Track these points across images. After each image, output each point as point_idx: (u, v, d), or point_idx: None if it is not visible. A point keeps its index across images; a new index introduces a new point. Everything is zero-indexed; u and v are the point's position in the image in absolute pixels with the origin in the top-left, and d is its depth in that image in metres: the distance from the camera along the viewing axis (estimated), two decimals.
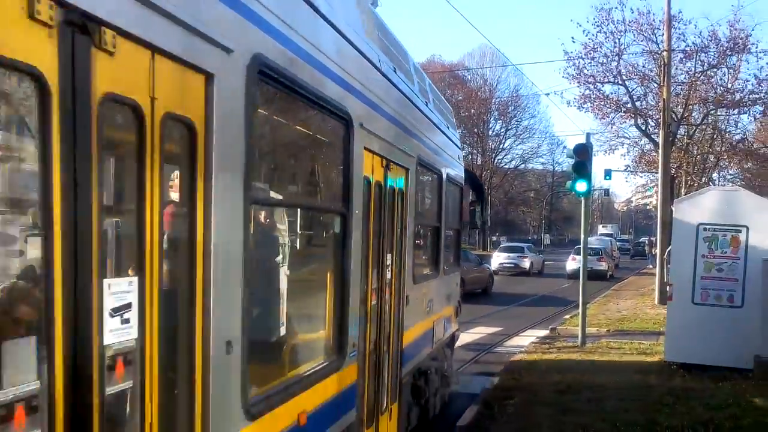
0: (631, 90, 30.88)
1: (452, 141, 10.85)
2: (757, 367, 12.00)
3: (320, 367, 5.11)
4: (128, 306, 2.80)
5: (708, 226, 13.17)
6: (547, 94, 51.17)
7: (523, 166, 76.12)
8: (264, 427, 3.96)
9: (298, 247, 5.62)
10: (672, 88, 27.31)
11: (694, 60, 29.54)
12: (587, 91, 30.52)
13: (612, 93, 31.26)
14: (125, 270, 2.95)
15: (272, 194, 4.73)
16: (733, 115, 34.51)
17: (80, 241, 2.52)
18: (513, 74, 67.78)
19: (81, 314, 2.54)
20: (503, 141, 70.79)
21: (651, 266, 44.80)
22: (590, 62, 30.02)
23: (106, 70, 2.63)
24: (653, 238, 49.22)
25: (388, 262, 6.92)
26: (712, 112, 32.91)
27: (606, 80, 30.56)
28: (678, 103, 30.29)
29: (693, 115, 33.38)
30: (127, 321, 2.79)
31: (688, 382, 11.92)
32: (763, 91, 30.60)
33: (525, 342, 17.05)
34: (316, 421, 4.84)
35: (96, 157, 2.60)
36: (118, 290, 2.76)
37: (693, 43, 29.28)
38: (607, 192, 78.30)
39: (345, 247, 5.41)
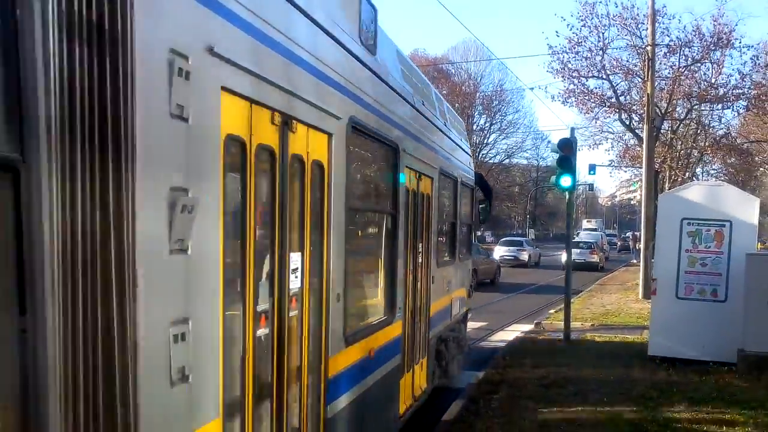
0: (615, 84, 30.90)
1: (464, 150, 12.80)
2: (740, 361, 12.06)
3: (381, 319, 7.35)
4: (297, 269, 4.95)
5: (692, 221, 13.21)
6: (532, 89, 51.50)
7: (507, 161, 76.16)
8: (352, 352, 6.12)
9: (369, 238, 7.75)
10: (656, 83, 27.38)
11: (678, 55, 29.56)
12: (571, 86, 30.49)
13: (596, 87, 31.26)
14: (297, 250, 4.98)
15: (358, 202, 6.68)
16: (717, 110, 34.64)
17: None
18: (497, 68, 67.82)
19: (282, 271, 4.66)
20: (488, 136, 70.73)
21: (635, 260, 45.00)
22: (574, 56, 29.98)
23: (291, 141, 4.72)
24: (637, 233, 49.51)
25: (420, 249, 8.94)
26: (696, 107, 33.01)
27: (590, 75, 30.54)
28: (662, 98, 30.39)
29: (677, 110, 33.50)
30: (297, 277, 4.93)
31: (672, 376, 11.96)
32: (747, 86, 30.71)
33: (510, 337, 17.05)
34: (378, 359, 7.00)
35: (286, 185, 4.67)
36: (296, 260, 4.93)
37: (677, 37, 29.31)
38: (591, 187, 78.42)
39: (395, 238, 7.68)
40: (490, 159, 70.15)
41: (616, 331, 17.30)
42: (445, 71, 66.19)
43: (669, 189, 30.66)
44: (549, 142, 68.28)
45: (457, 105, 64.37)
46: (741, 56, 31.24)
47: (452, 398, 10.75)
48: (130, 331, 2.84)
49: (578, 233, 56.85)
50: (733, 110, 33.30)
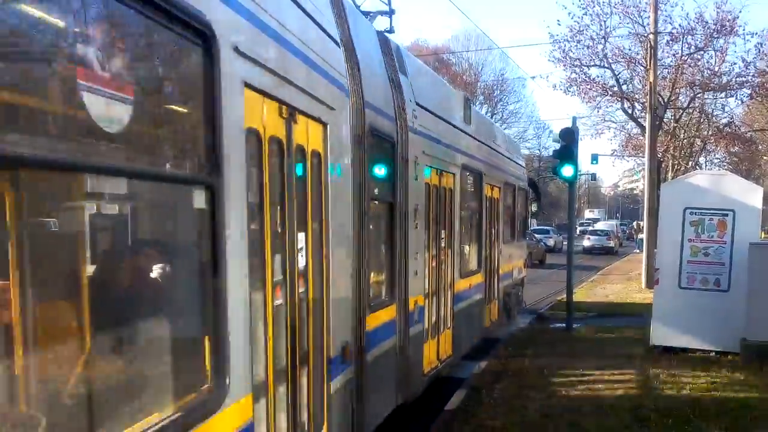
0: (617, 73, 30.76)
1: (520, 164, 18.42)
2: (743, 350, 12.06)
3: (473, 270, 12.47)
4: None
5: (694, 210, 13.17)
6: (533, 78, 51.48)
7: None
8: (464, 283, 11.12)
9: (470, 227, 12.74)
10: (659, 72, 27.29)
11: (680, 43, 29.39)
12: (573, 75, 30.36)
13: (598, 76, 31.09)
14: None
15: (466, 207, 12.02)
16: (720, 98, 34.46)
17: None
18: (498, 58, 67.65)
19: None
20: None
21: (637, 250, 44.99)
22: (576, 45, 29.80)
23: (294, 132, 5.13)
24: (640, 222, 49.43)
25: (493, 232, 14.27)
26: (699, 95, 32.81)
27: (592, 63, 30.38)
28: (665, 87, 30.22)
29: (680, 98, 33.29)
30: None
31: (674, 366, 11.96)
32: (750, 74, 30.55)
33: (513, 326, 17.07)
34: (472, 291, 12.21)
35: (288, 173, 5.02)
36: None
37: (680, 25, 29.10)
38: (593, 176, 78.42)
39: (480, 226, 13.00)
40: None
41: (618, 321, 17.31)
42: (446, 60, 66.02)
43: (672, 178, 30.64)
44: (551, 131, 68.10)
45: None
46: (745, 44, 31.16)
47: (455, 388, 10.77)
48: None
49: (590, 223, 72.15)
50: (736, 99, 33.26)
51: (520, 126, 72.58)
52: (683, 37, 29.10)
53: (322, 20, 6.03)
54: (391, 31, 10.27)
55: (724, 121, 36.43)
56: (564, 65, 30.06)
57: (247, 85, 4.24)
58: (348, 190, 6.59)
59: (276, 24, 4.79)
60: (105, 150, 3.13)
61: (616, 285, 26.80)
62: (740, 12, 32.23)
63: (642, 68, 28.93)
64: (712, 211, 13.10)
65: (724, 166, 45.13)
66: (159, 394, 3.69)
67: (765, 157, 51.62)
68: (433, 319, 9.89)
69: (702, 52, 29.92)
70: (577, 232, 56.44)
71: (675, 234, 13.24)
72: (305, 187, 5.43)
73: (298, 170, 5.29)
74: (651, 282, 17.53)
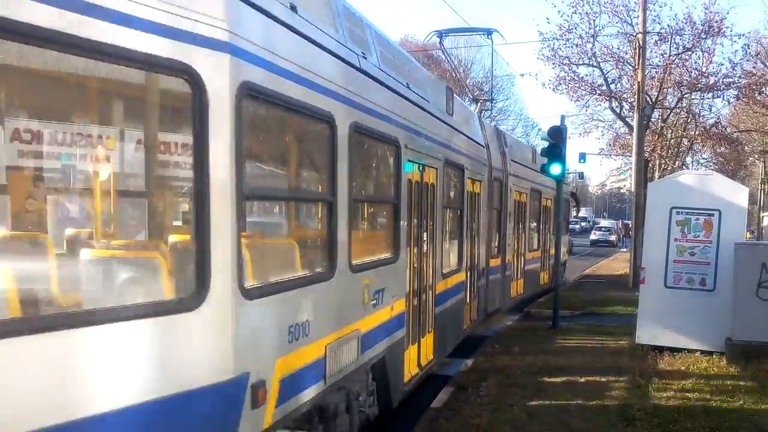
0: (605, 72, 30.87)
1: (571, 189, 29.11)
2: (728, 350, 12.11)
3: (536, 248, 21.26)
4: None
5: (681, 210, 13.21)
6: (522, 75, 51.30)
7: None
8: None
9: (537, 225, 21.41)
10: (647, 71, 27.34)
11: (669, 43, 29.52)
12: (562, 73, 30.46)
13: (587, 75, 31.23)
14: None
15: (530, 212, 20.53)
16: (707, 99, 34.64)
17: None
18: (488, 55, 67.61)
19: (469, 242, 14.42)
20: None
21: (623, 249, 45.18)
22: (565, 44, 29.92)
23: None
24: (627, 222, 49.59)
25: (549, 225, 22.78)
26: (687, 95, 32.96)
27: (581, 62, 30.50)
28: (652, 87, 30.31)
29: (667, 98, 33.41)
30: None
31: (660, 365, 12.01)
32: (737, 75, 30.73)
33: (499, 325, 17.08)
34: (531, 262, 20.86)
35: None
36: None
37: (668, 25, 29.27)
38: (581, 175, 78.62)
39: (543, 222, 22.49)
40: None
41: (605, 320, 17.35)
42: (435, 57, 65.94)
43: (659, 178, 30.72)
44: (539, 129, 68.15)
45: None
46: (732, 45, 31.24)
47: (441, 385, 10.77)
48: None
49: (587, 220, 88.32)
50: (723, 99, 33.44)
51: (508, 123, 72.40)
52: (671, 38, 29.25)
53: (477, 133, 14.31)
54: (492, 99, 26.45)
55: (711, 121, 36.61)
56: (553, 63, 30.17)
57: (448, 164, 11.23)
58: (486, 206, 14.80)
59: (455, 136, 12.01)
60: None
61: (603, 283, 26.81)
62: (728, 13, 32.53)
63: (630, 67, 29.01)
64: (698, 211, 13.14)
65: (711, 166, 45.33)
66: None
67: (751, 158, 51.95)
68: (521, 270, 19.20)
69: (690, 53, 30.07)
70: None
71: (661, 233, 13.27)
72: (475, 206, 13.61)
73: (469, 198, 12.93)
74: (637, 281, 17.55)
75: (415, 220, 9.43)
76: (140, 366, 4.12)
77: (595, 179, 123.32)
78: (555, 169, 15.69)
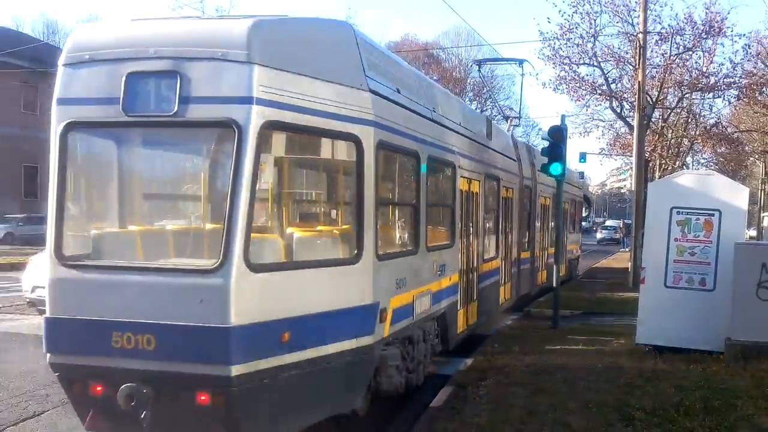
0: (606, 72, 30.88)
1: (577, 186, 30.11)
2: (728, 350, 12.10)
3: (525, 246, 19.88)
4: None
5: (681, 210, 13.20)
6: (523, 75, 50.93)
7: None
8: (486, 265, 14.88)
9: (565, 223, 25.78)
10: (647, 71, 27.35)
11: (669, 43, 29.52)
12: (563, 73, 30.45)
13: (587, 75, 31.23)
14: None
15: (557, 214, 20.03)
16: (708, 99, 34.66)
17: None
18: (489, 54, 67.59)
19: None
20: None
21: (624, 249, 45.20)
22: (566, 43, 29.89)
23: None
24: (628, 222, 49.62)
25: (566, 227, 25.25)
26: (687, 95, 32.99)
27: (581, 62, 30.49)
28: (653, 86, 30.34)
29: (668, 98, 33.45)
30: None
31: (660, 365, 11.99)
32: (738, 75, 30.73)
33: (499, 325, 17.10)
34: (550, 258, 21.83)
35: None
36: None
37: (669, 25, 29.28)
38: (582, 175, 78.82)
39: (564, 222, 24.81)
40: None
41: (604, 319, 17.36)
42: (435, 56, 65.93)
43: (659, 177, 30.74)
44: (540, 129, 68.17)
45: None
46: (732, 45, 31.10)
47: (440, 385, 10.78)
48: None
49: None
50: (724, 99, 33.39)
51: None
52: (672, 37, 29.25)
53: (510, 150, 17.90)
54: (519, 116, 29.65)
55: (712, 121, 36.66)
56: (553, 63, 30.14)
57: (488, 177, 14.86)
58: (518, 208, 18.02)
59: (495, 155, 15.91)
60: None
61: (603, 283, 26.80)
62: (728, 13, 32.51)
63: (631, 67, 29.04)
64: (698, 211, 13.13)
65: (711, 166, 45.35)
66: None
67: (751, 158, 51.94)
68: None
69: (690, 53, 30.10)
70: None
71: (661, 233, 13.27)
72: (509, 209, 17.10)
73: (504, 203, 16.49)
74: (637, 281, 17.56)
75: (464, 219, 13.05)
76: (338, 289, 7.94)
77: (595, 179, 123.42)
78: (555, 168, 15.69)
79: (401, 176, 10.38)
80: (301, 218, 9.35)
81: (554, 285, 16.71)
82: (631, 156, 30.44)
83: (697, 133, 36.83)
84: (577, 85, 30.89)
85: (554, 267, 16.88)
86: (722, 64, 30.75)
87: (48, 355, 7.29)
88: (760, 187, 57.58)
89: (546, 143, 16.52)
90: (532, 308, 19.43)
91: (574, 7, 29.09)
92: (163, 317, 6.75)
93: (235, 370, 6.67)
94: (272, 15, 7.90)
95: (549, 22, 29.69)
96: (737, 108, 40.46)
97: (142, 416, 6.72)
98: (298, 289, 7.46)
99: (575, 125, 37.11)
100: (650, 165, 34.93)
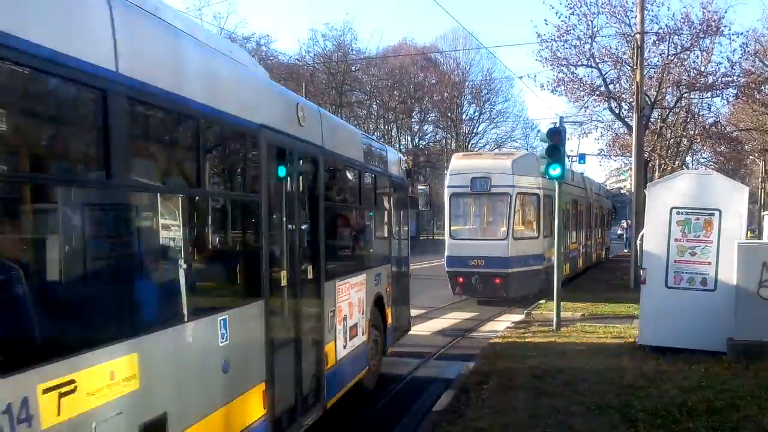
0: (604, 73, 30.89)
1: (602, 194, 41.93)
2: (730, 350, 12.08)
3: (571, 244, 30.16)
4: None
5: (681, 210, 13.20)
6: (521, 78, 51.24)
7: (497, 150, 76.00)
8: (570, 247, 29.01)
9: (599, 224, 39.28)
10: (645, 71, 27.35)
11: (667, 43, 29.55)
12: (560, 74, 30.46)
13: (585, 76, 31.24)
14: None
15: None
16: (706, 98, 34.66)
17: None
18: (486, 57, 67.70)
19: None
20: (477, 125, 70.35)
21: (626, 250, 45.17)
22: (563, 45, 29.92)
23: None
24: (628, 221, 49.59)
25: (596, 227, 37.34)
26: (686, 95, 33.00)
27: (579, 63, 30.51)
28: (651, 86, 30.36)
29: (666, 98, 33.46)
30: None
31: (662, 366, 11.97)
32: (736, 74, 30.75)
33: (500, 327, 17.09)
34: (574, 253, 30.21)
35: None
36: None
37: (666, 25, 29.29)
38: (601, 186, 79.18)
39: (600, 225, 38.93)
40: (480, 148, 69.75)
41: (606, 321, 17.34)
42: (433, 60, 66.03)
43: (659, 178, 30.69)
44: (539, 131, 68.29)
45: (446, 94, 64.22)
46: (730, 44, 31.24)
47: (443, 389, 10.76)
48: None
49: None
50: (722, 98, 33.44)
51: (507, 125, 72.47)
52: (669, 37, 29.29)
53: (580, 182, 32.67)
54: (582, 160, 44.64)
55: (710, 120, 36.69)
56: (551, 65, 30.15)
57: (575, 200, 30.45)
58: (585, 217, 32.70)
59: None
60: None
61: (604, 284, 26.75)
62: (726, 12, 32.61)
63: (629, 68, 29.06)
64: (698, 211, 13.13)
65: (711, 165, 45.35)
66: None
67: (751, 157, 51.90)
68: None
69: (688, 52, 30.12)
70: None
71: (661, 233, 13.26)
72: (582, 217, 32.14)
73: (578, 214, 31.18)
74: (638, 281, 17.51)
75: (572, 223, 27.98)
76: (527, 246, 22.64)
77: (594, 180, 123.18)
78: (555, 170, 15.65)
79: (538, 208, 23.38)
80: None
81: (555, 287, 16.57)
82: (630, 156, 30.49)
83: (696, 132, 36.83)
84: (575, 86, 30.92)
85: (555, 268, 16.75)
86: (720, 63, 30.87)
87: (446, 268, 22.19)
88: (760, 186, 57.53)
89: (545, 145, 16.45)
90: (533, 310, 19.41)
91: (571, 8, 29.15)
92: (487, 254, 21.18)
93: (510, 271, 21.00)
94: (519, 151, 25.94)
95: (546, 24, 29.70)
96: (736, 107, 40.46)
97: (479, 286, 21.26)
98: (525, 244, 21.90)
99: (574, 127, 37.14)
100: (649, 165, 34.94)
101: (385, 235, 12.37)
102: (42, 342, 4.12)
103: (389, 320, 12.23)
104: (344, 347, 9.56)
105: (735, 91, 32.04)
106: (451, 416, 9.20)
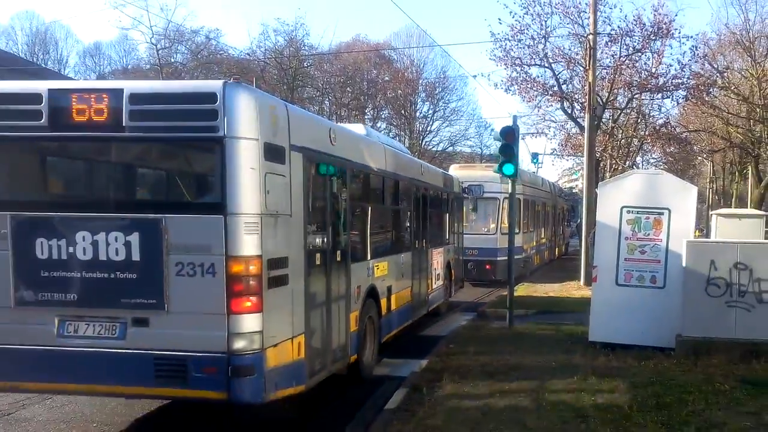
0: (557, 73, 31.10)
1: (564, 199, 49.93)
2: (678, 346, 12.26)
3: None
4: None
5: (631, 209, 13.35)
6: (475, 76, 51.65)
7: (451, 148, 75.73)
8: (540, 242, 36.43)
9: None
10: (597, 72, 27.61)
11: (619, 44, 29.83)
12: (514, 74, 30.57)
13: (539, 76, 31.42)
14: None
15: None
16: (657, 99, 35.16)
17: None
18: (440, 56, 67.78)
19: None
20: (431, 123, 70.05)
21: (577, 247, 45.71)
22: (517, 44, 30.02)
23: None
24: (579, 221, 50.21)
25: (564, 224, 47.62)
26: (637, 96, 33.40)
27: (533, 63, 30.66)
28: (603, 87, 30.64)
29: (618, 99, 33.84)
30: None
31: (612, 362, 12.10)
32: (686, 76, 31.16)
33: (454, 325, 17.12)
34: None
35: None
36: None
37: (618, 27, 29.59)
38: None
39: (556, 223, 43.47)
40: (433, 147, 69.76)
41: (558, 318, 17.48)
42: (387, 57, 65.87)
43: (610, 177, 31.05)
44: (492, 130, 68.57)
45: (399, 91, 64.00)
46: (680, 46, 31.64)
47: (395, 387, 10.74)
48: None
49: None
50: (672, 100, 33.75)
51: (461, 124, 72.55)
52: (621, 39, 29.57)
53: (550, 190, 40.05)
54: (534, 159, 46.81)
55: (661, 121, 37.16)
56: (505, 64, 30.25)
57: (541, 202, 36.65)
58: (552, 217, 40.59)
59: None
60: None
61: (555, 284, 27.00)
62: (676, 15, 32.97)
63: (581, 68, 29.30)
64: (648, 210, 13.29)
65: (660, 165, 45.95)
66: None
67: (699, 158, 52.83)
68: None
69: (639, 54, 30.43)
70: None
71: (612, 232, 13.41)
72: (548, 217, 39.18)
73: (546, 215, 38.18)
74: (589, 279, 17.70)
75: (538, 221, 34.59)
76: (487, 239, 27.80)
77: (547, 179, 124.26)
78: (508, 168, 15.72)
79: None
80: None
81: (509, 283, 16.65)
82: (582, 156, 30.72)
83: (647, 133, 37.30)
84: (529, 86, 31.05)
85: (508, 264, 16.83)
86: (670, 65, 31.20)
87: None
88: (708, 186, 58.62)
89: (498, 144, 16.51)
90: (486, 308, 19.50)
91: (525, 8, 29.29)
92: (481, 245, 25.92)
93: (498, 259, 25.85)
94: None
95: (500, 23, 29.75)
96: (685, 108, 41.08)
97: (473, 271, 25.90)
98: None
99: (527, 126, 37.43)
100: (601, 165, 35.36)
101: (454, 226, 20.30)
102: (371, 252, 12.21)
103: (453, 276, 19.94)
104: (435, 284, 17.50)
105: (685, 93, 32.45)
106: (403, 414, 9.18)
